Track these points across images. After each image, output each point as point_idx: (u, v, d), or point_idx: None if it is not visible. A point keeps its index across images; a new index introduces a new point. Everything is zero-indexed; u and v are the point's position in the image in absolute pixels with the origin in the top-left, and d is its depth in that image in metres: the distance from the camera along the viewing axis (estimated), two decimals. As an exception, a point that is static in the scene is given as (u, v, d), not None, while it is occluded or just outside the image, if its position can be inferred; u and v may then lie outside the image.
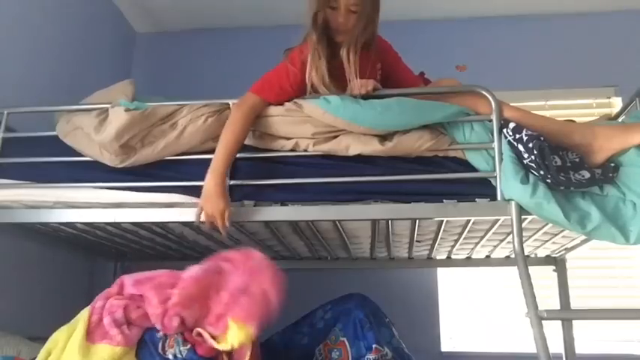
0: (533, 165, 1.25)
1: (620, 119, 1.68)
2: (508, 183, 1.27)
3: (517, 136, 1.28)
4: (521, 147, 1.27)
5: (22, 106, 1.66)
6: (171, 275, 1.31)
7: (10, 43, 1.97)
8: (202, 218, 1.35)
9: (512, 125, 1.31)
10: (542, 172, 1.23)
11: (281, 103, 1.44)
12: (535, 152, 1.23)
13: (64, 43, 2.30)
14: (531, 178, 1.26)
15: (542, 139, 1.25)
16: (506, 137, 1.32)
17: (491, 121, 1.36)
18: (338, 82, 1.45)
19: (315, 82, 1.43)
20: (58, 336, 1.25)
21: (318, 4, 1.44)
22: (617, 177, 1.27)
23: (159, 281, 1.28)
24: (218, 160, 1.36)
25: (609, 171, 1.27)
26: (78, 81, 2.35)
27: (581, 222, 1.23)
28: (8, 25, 1.96)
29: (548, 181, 1.23)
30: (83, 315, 1.27)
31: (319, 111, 1.37)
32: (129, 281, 1.30)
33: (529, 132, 1.27)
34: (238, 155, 1.43)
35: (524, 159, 1.26)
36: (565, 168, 1.25)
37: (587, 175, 1.25)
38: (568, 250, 1.95)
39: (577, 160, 1.28)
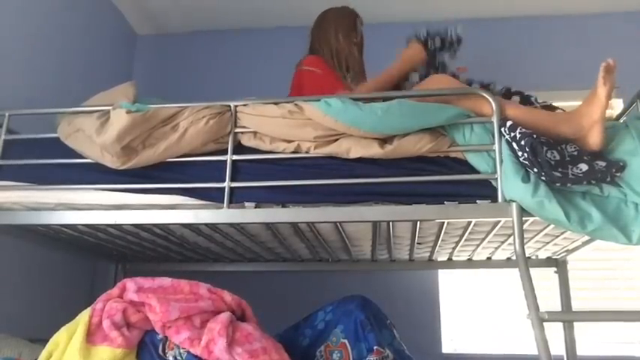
0: (527, 163, 1.25)
1: (621, 120, 1.68)
2: (509, 182, 1.27)
3: (512, 134, 1.29)
4: (515, 145, 1.28)
5: (24, 109, 1.67)
6: (175, 287, 1.32)
7: (11, 45, 1.97)
8: None
9: (508, 124, 1.31)
10: (536, 170, 1.23)
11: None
12: (527, 150, 1.23)
13: (65, 45, 2.31)
14: (532, 177, 1.25)
15: (534, 136, 1.26)
16: (503, 136, 1.32)
17: (491, 122, 1.36)
18: None
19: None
20: (59, 338, 1.25)
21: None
22: (621, 177, 1.26)
23: (164, 293, 1.29)
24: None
25: (614, 166, 1.26)
26: (79, 83, 2.35)
27: (582, 222, 1.22)
28: (9, 27, 1.97)
29: (543, 178, 1.23)
30: (83, 317, 1.27)
31: (320, 114, 1.37)
32: (131, 286, 1.30)
33: (522, 130, 1.28)
34: (239, 157, 1.44)
35: (520, 157, 1.27)
36: (564, 162, 1.26)
37: (584, 167, 1.25)
38: (569, 251, 1.94)
39: (575, 153, 1.29)
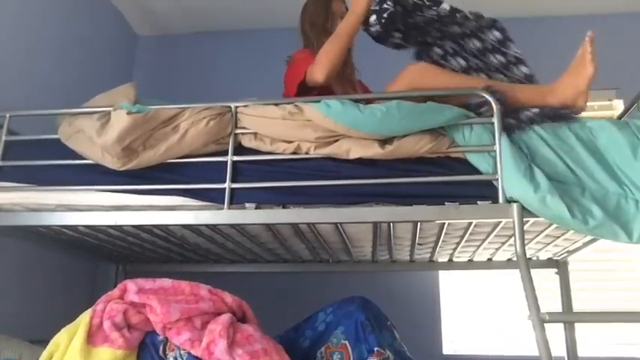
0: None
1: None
2: (511, 180, 1.27)
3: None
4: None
5: (24, 109, 1.67)
6: (176, 288, 1.32)
7: (11, 46, 1.97)
8: None
9: None
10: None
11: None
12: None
13: (66, 46, 2.31)
14: (535, 174, 1.25)
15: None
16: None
17: (492, 123, 1.36)
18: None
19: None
20: (60, 339, 1.25)
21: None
22: (624, 173, 1.28)
23: (164, 294, 1.29)
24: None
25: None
26: (79, 84, 2.36)
27: (584, 218, 1.22)
28: (9, 28, 1.97)
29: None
30: (84, 318, 1.27)
31: (320, 115, 1.37)
32: (132, 288, 1.30)
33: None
34: (239, 158, 1.44)
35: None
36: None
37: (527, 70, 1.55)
38: (570, 252, 1.94)
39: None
